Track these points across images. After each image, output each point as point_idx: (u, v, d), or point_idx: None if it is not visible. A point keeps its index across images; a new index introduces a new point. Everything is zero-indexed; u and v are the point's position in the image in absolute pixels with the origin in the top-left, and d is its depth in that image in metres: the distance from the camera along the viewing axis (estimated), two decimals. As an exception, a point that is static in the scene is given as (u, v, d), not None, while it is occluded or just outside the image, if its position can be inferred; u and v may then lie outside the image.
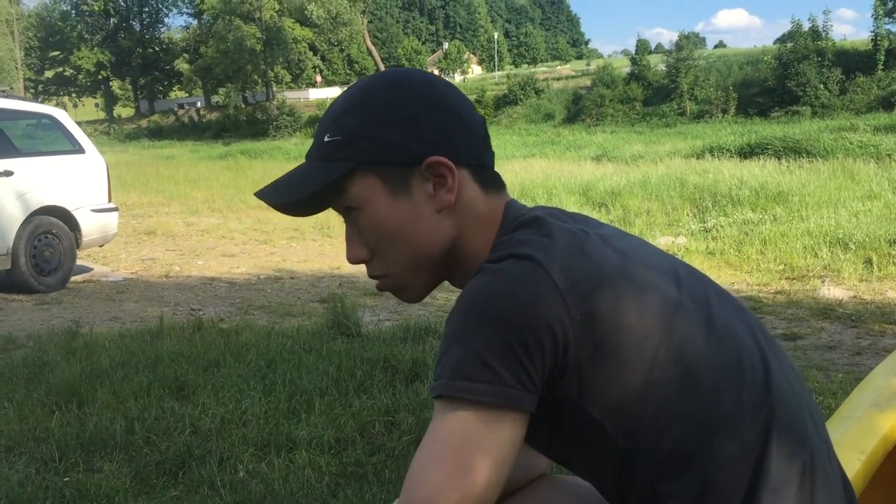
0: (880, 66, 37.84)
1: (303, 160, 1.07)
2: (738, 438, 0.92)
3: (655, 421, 0.91)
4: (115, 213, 8.43)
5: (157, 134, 58.83)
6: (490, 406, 0.86)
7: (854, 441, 1.49)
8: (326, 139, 1.02)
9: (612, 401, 0.91)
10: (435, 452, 0.86)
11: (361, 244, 1.05)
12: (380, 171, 1.01)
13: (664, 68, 45.82)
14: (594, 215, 11.41)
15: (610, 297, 0.91)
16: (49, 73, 72.37)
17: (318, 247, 10.45)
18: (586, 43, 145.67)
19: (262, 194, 1.06)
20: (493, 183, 1.07)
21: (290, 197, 1.03)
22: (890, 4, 42.23)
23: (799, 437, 0.96)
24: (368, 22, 64.28)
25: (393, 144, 1.00)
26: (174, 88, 75.99)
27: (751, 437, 0.92)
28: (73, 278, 8.01)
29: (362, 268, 1.11)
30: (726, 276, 7.57)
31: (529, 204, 1.09)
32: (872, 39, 39.67)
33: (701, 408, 0.92)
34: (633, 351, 0.90)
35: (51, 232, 7.59)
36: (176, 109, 68.54)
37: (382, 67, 51.46)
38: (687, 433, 0.91)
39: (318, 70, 70.07)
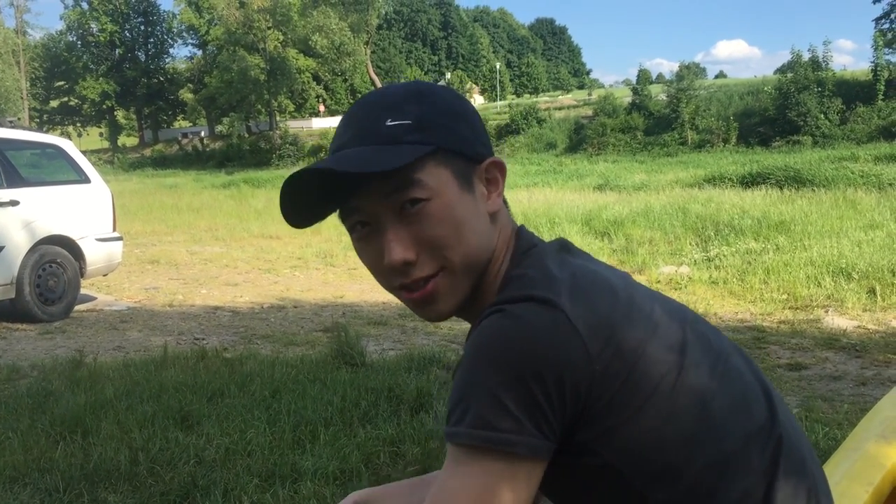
0: (880, 97, 38.01)
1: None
2: (751, 469, 0.93)
3: (674, 460, 0.91)
4: (120, 243, 8.47)
5: (161, 163, 59.09)
6: (512, 456, 0.86)
7: (861, 473, 1.49)
8: (390, 123, 0.97)
9: (630, 444, 0.91)
10: (456, 500, 0.86)
11: (410, 243, 0.97)
12: (451, 162, 0.98)
13: (665, 98, 46.05)
14: (597, 244, 11.46)
15: (627, 340, 0.91)
16: (54, 103, 72.87)
17: (322, 276, 10.45)
18: (588, 73, 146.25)
19: (336, 162, 0.94)
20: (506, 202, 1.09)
21: (378, 167, 0.92)
22: (890, 35, 42.56)
23: (802, 465, 0.99)
24: (371, 52, 64.74)
25: (464, 136, 1.00)
26: (178, 118, 76.50)
27: (762, 466, 0.94)
28: (76, 307, 8.02)
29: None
30: (730, 306, 7.56)
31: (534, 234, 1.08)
32: (872, 70, 39.88)
33: (716, 443, 0.93)
34: (650, 394, 0.91)
35: (55, 261, 7.62)
36: (180, 139, 68.93)
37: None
38: (704, 469, 0.92)
39: (321, 100, 70.55)
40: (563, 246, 1.06)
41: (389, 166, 0.92)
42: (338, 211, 1.02)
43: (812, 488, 0.98)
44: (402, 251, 0.97)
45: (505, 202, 1.08)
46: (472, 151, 1.01)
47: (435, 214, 0.97)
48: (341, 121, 1.04)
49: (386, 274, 1.01)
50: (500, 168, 1.04)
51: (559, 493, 1.01)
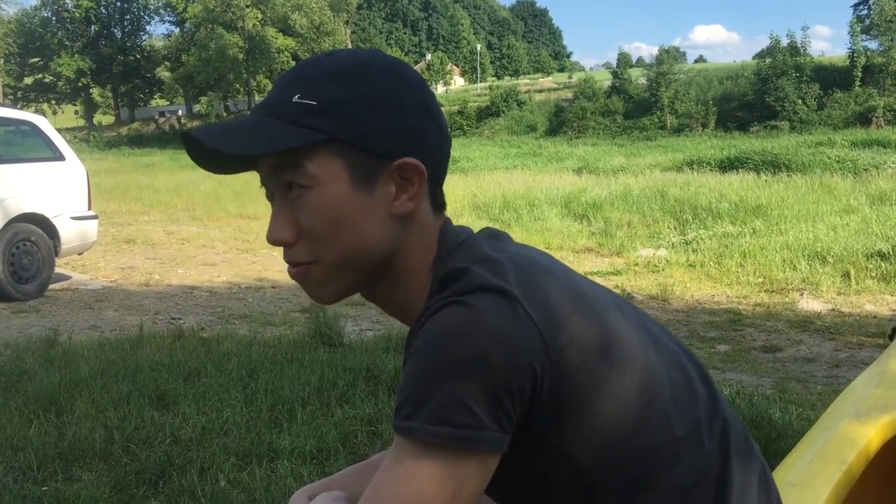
0: (857, 82, 38.42)
1: None
2: (703, 449, 0.93)
3: (630, 445, 0.90)
4: (95, 221, 8.36)
5: (138, 142, 58.45)
6: (469, 451, 0.82)
7: (834, 452, 1.51)
8: (297, 99, 0.90)
9: (587, 432, 0.89)
10: (407, 496, 0.82)
11: (291, 224, 0.93)
12: (349, 156, 0.90)
13: (645, 82, 46.21)
14: (576, 227, 11.50)
15: (579, 326, 0.88)
16: (28, 80, 71.76)
17: (300, 256, 10.40)
18: (568, 56, 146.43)
19: (206, 135, 0.90)
20: (440, 202, 1.01)
21: (246, 148, 0.89)
22: (867, 21, 42.88)
23: (749, 445, 1.00)
24: (352, 32, 64.31)
25: (373, 130, 0.91)
26: (155, 96, 75.67)
27: (713, 447, 0.94)
28: (51, 286, 7.92)
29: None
30: (707, 289, 7.61)
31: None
32: (849, 56, 40.26)
33: (669, 425, 0.92)
34: (604, 379, 0.88)
35: (29, 239, 7.51)
36: (157, 117, 68.25)
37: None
38: (659, 453, 0.91)
39: (300, 79, 70.02)
40: (492, 234, 1.02)
41: (261, 150, 0.89)
42: None
43: (762, 469, 0.99)
44: (279, 230, 0.93)
45: (437, 202, 1.00)
46: (379, 147, 0.91)
47: (312, 205, 0.91)
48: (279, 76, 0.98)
49: None
50: (417, 170, 0.93)
51: (507, 493, 0.97)
